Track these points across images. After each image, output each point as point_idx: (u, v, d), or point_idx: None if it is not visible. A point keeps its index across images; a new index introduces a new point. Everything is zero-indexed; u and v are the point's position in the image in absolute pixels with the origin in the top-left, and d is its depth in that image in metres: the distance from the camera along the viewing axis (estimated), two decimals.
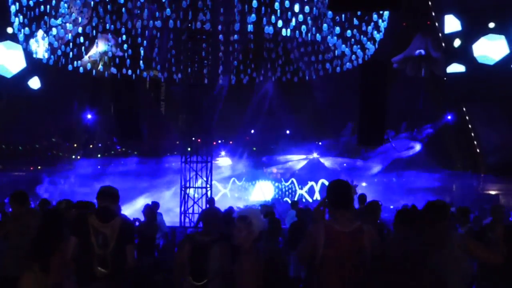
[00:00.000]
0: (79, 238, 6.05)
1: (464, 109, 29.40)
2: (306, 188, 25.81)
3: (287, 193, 25.79)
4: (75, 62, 16.44)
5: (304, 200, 24.41)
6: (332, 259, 4.51)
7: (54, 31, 14.25)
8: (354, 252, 4.54)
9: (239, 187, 25.94)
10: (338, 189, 4.82)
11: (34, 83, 23.48)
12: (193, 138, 18.81)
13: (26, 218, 7.29)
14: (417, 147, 29.16)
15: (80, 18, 14.31)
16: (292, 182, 26.35)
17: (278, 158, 31.44)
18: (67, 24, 14.29)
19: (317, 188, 25.87)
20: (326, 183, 25.72)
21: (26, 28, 14.19)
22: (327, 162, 30.65)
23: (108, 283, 6.01)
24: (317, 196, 25.34)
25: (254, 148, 32.41)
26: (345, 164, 30.87)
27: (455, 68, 25.55)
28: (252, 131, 35.08)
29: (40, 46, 15.23)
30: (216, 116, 23.04)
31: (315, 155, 31.33)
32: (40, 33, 14.67)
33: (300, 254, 4.85)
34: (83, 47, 16.20)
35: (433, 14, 26.86)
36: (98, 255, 5.98)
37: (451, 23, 25.82)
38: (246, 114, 32.54)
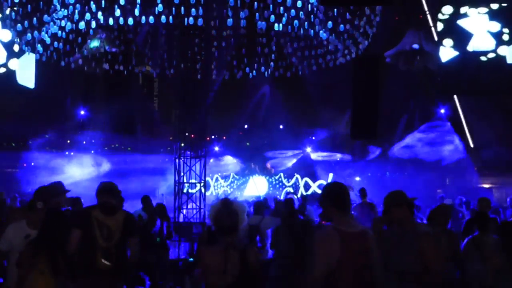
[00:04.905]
0: (83, 231, 6.04)
1: (457, 102, 29.49)
2: (291, 182, 25.63)
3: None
4: (67, 58, 16.40)
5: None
6: (346, 261, 4.49)
7: (46, 27, 14.22)
8: (364, 253, 4.57)
9: (230, 183, 25.76)
10: (342, 191, 4.79)
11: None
12: (187, 134, 18.78)
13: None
14: None
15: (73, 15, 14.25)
16: (297, 179, 26.02)
17: (272, 153, 31.43)
18: (60, 20, 14.23)
19: (301, 183, 25.70)
20: (310, 181, 25.70)
21: (18, 25, 14.16)
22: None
23: (111, 277, 6.03)
24: (302, 191, 25.21)
25: (248, 143, 32.41)
26: (338, 158, 30.92)
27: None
28: (246, 126, 35.11)
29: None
30: (210, 111, 23.02)
31: (309, 149, 31.39)
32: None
33: (318, 272, 4.49)
34: (75, 43, 16.15)
35: (426, 8, 26.88)
36: (102, 247, 5.99)
37: None
38: (240, 109, 32.54)
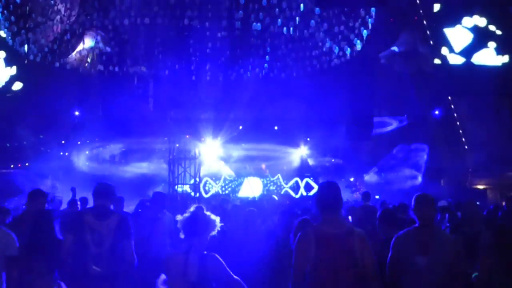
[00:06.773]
0: (75, 236, 5.88)
1: (451, 104, 29.52)
2: (290, 183, 25.46)
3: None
4: (62, 59, 16.39)
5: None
6: (324, 261, 4.49)
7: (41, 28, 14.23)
8: (346, 254, 4.52)
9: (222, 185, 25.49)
10: (327, 192, 4.74)
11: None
12: (181, 135, 18.76)
13: None
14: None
15: (67, 16, 14.26)
16: (297, 181, 25.72)
17: (267, 153, 31.30)
18: (54, 21, 14.24)
19: (301, 184, 25.49)
20: (312, 182, 25.62)
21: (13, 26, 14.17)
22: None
23: (105, 282, 5.87)
24: (302, 191, 25.05)
25: (243, 144, 32.27)
26: (333, 160, 30.89)
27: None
28: (241, 127, 35.03)
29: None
30: (204, 112, 23.00)
31: (304, 151, 31.29)
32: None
33: (296, 272, 4.55)
34: (69, 44, 16.13)
35: (421, 10, 26.91)
36: (93, 253, 5.83)
37: None
38: (235, 110, 32.45)
